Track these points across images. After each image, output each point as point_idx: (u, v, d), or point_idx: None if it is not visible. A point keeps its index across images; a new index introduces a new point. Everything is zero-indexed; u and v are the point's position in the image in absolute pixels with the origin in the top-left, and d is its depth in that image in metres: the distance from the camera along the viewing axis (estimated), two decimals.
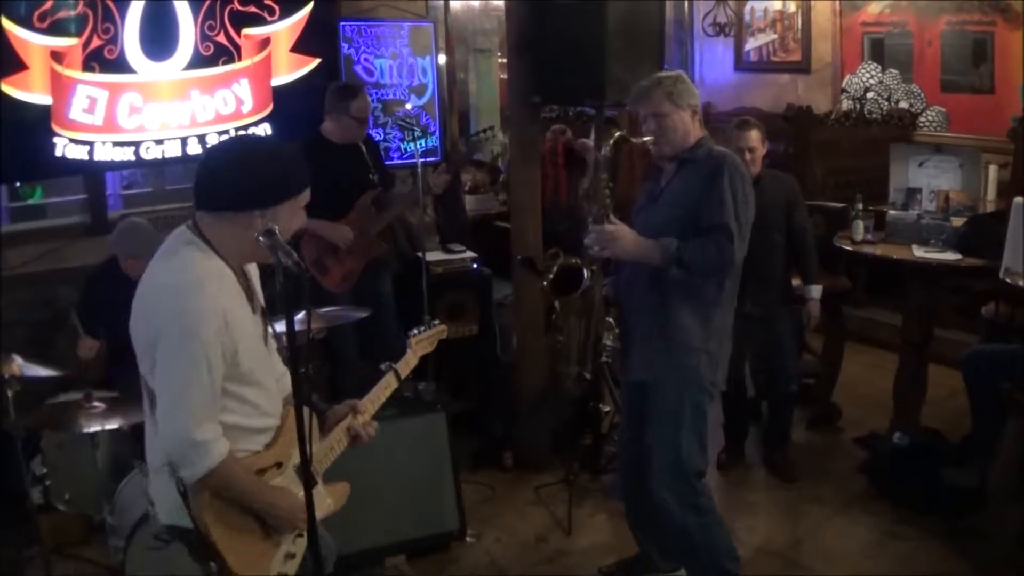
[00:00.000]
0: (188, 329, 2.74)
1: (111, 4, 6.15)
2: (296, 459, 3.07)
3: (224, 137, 6.70)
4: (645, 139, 4.27)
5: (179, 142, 6.57)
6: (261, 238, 2.71)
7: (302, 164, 3.07)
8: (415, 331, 3.87)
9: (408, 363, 3.74)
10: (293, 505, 3.05)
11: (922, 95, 9.22)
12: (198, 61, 6.56)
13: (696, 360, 4.24)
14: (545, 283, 4.69)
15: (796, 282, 5.95)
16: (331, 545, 3.55)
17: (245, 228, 2.92)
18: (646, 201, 4.43)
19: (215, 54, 6.63)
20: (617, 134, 4.39)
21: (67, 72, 6.04)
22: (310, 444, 2.87)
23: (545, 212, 6.25)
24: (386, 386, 3.60)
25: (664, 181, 4.35)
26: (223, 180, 2.99)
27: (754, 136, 5.64)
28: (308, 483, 2.84)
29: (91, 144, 6.21)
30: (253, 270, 3.21)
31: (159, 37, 6.37)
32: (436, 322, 4.01)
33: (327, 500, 3.35)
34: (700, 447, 4.37)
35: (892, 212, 6.27)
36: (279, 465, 3.13)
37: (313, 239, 5.91)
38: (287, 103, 6.99)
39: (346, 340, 6.16)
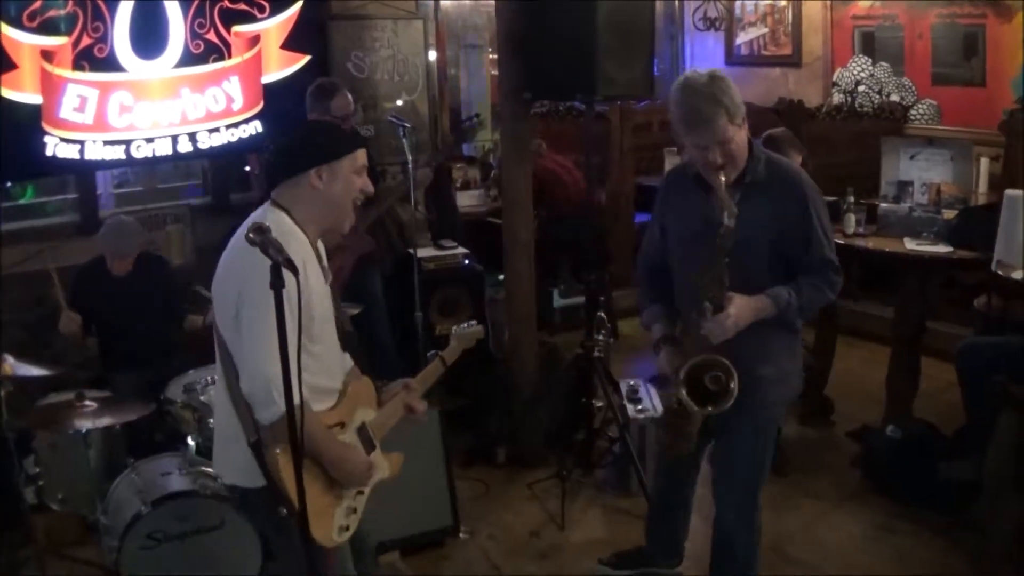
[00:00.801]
0: (268, 275, 2.78)
1: (101, 3, 6.13)
2: (356, 421, 3.39)
3: (215, 135, 6.71)
4: (723, 179, 3.72)
5: (170, 140, 6.55)
6: (251, 235, 2.71)
7: (351, 133, 3.49)
8: (460, 326, 4.09)
9: (453, 351, 3.97)
10: (360, 459, 3.33)
11: (913, 88, 9.23)
12: (188, 59, 6.55)
13: (780, 393, 4.13)
14: (683, 399, 3.90)
15: None
16: (371, 537, 3.80)
17: (311, 189, 3.22)
18: (696, 226, 3.91)
19: (205, 52, 6.62)
20: (734, 214, 3.68)
21: (57, 71, 6.02)
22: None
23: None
24: (434, 370, 3.86)
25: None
26: (282, 152, 3.37)
27: (795, 159, 5.49)
28: (301, 512, 2.84)
29: (82, 143, 6.20)
30: (322, 248, 3.45)
31: (149, 35, 6.35)
32: (474, 322, 4.15)
33: (384, 465, 3.53)
34: (770, 462, 4.29)
35: (884, 205, 6.28)
36: (342, 425, 3.33)
37: None
38: (278, 100, 6.98)
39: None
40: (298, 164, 3.21)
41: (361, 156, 3.32)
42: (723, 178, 3.72)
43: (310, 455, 3.10)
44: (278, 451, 3.01)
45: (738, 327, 3.76)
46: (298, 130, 3.46)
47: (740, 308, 3.75)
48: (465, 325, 4.09)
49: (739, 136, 3.77)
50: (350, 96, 6.29)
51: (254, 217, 3.19)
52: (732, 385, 3.81)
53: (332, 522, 3.26)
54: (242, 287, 3.05)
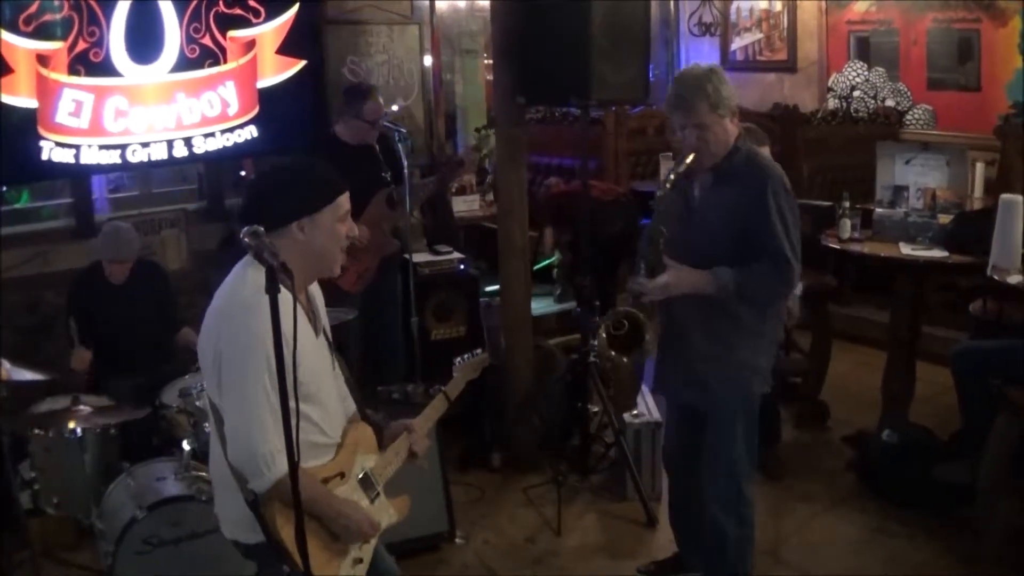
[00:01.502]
0: (249, 345, 2.78)
1: (96, 7, 6.14)
2: (358, 470, 3.28)
3: (210, 139, 6.71)
4: (688, 162, 4.03)
5: (165, 145, 6.55)
6: (246, 238, 2.69)
7: (333, 173, 3.19)
8: (460, 359, 3.92)
9: (456, 386, 3.83)
10: (359, 515, 3.18)
11: (908, 93, 9.24)
12: (183, 64, 6.55)
13: (750, 379, 4.20)
14: (604, 345, 4.35)
15: None
16: (393, 569, 3.63)
17: (292, 242, 3.04)
18: (680, 212, 4.19)
19: (200, 56, 6.62)
20: (672, 177, 4.08)
21: (53, 75, 6.02)
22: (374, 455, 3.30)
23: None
24: (437, 408, 3.73)
25: (699, 191, 4.16)
26: (260, 202, 3.15)
27: (767, 152, 5.55)
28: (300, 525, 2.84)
29: (77, 147, 6.20)
30: (317, 294, 3.33)
31: (144, 40, 6.36)
32: (479, 351, 4.02)
33: (390, 510, 3.45)
34: (750, 457, 4.34)
35: (879, 210, 6.28)
36: (342, 475, 3.23)
37: None
38: (273, 105, 6.98)
39: (352, 340, 6.18)
40: (277, 218, 3.04)
41: (344, 202, 3.15)
42: (688, 159, 4.00)
43: (307, 513, 3.00)
44: (275, 509, 2.95)
45: (668, 292, 4.04)
46: (275, 176, 3.21)
47: (677, 280, 4.02)
48: (468, 356, 3.95)
49: (719, 126, 3.98)
50: (382, 100, 6.30)
51: (235, 272, 3.11)
52: (647, 336, 4.21)
53: (339, 573, 3.19)
54: (222, 351, 2.96)
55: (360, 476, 3.30)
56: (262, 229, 2.74)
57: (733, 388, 4.20)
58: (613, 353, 4.37)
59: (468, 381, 3.91)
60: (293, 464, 2.73)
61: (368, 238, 6.04)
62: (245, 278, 3.03)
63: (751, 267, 3.96)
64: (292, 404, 2.77)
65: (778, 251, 3.95)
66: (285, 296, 2.79)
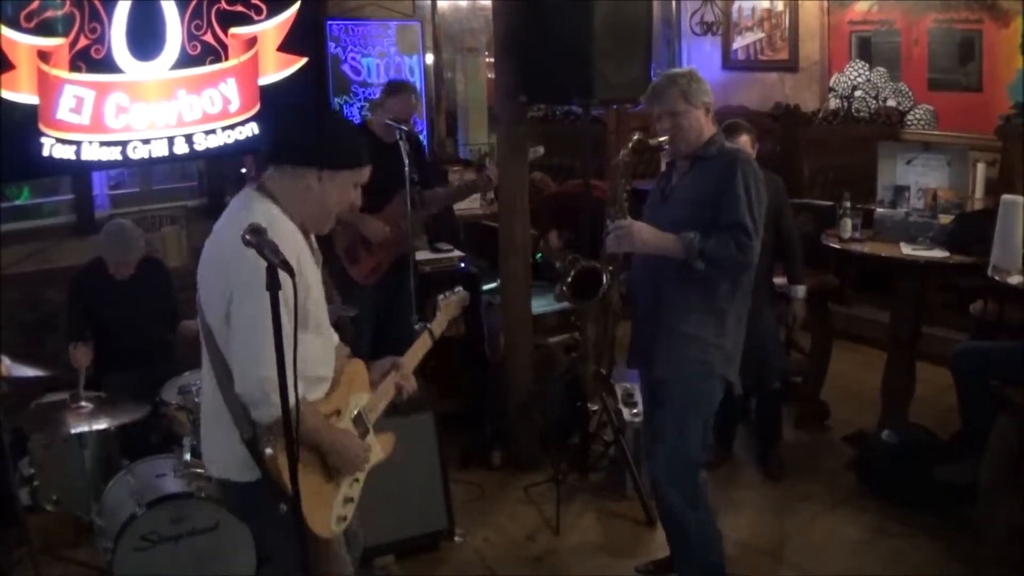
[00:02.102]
0: (261, 278, 2.71)
1: (98, 4, 6.14)
2: (352, 407, 3.38)
3: (211, 136, 6.71)
4: (661, 139, 4.26)
5: (166, 142, 6.57)
6: (247, 236, 2.68)
7: (365, 145, 3.28)
8: (444, 295, 4.06)
9: (440, 323, 3.95)
10: (357, 445, 3.30)
11: (910, 93, 9.23)
12: (185, 60, 6.56)
13: (710, 356, 4.25)
14: (564, 288, 4.64)
15: (779, 280, 5.97)
16: (359, 535, 3.75)
17: (305, 187, 3.15)
18: (658, 198, 4.43)
19: (202, 53, 6.63)
20: (636, 137, 4.35)
21: (54, 72, 6.03)
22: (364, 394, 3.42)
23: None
24: (423, 344, 3.83)
25: (676, 179, 4.35)
26: (296, 133, 3.25)
27: (745, 141, 5.62)
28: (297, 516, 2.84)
29: (78, 144, 6.21)
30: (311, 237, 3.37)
31: (146, 37, 6.37)
32: (459, 288, 4.15)
33: (376, 448, 3.50)
34: (704, 442, 4.38)
35: (880, 210, 6.27)
36: (338, 413, 3.31)
37: (348, 228, 5.93)
38: (274, 102, 6.99)
39: (364, 333, 6.19)
40: (306, 158, 3.14)
41: (365, 173, 3.25)
42: (661, 139, 4.25)
43: (309, 446, 3.09)
44: (276, 447, 2.97)
45: (638, 241, 4.15)
46: (322, 122, 3.32)
47: (641, 226, 4.17)
48: (449, 292, 4.08)
49: (692, 115, 4.20)
50: (414, 102, 6.31)
51: (238, 201, 3.17)
52: (604, 281, 4.47)
53: (330, 512, 3.25)
54: (233, 284, 2.98)
55: (354, 414, 3.37)
56: (263, 226, 2.73)
57: (692, 364, 4.26)
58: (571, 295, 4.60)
59: (451, 319, 4.06)
60: (287, 408, 2.74)
61: (387, 234, 6.05)
62: (252, 210, 3.06)
63: (716, 234, 4.05)
64: (301, 335, 2.81)
65: (738, 219, 4.03)
66: (291, 228, 3.03)
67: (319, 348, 3.25)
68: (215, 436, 3.23)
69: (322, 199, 3.17)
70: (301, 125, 3.28)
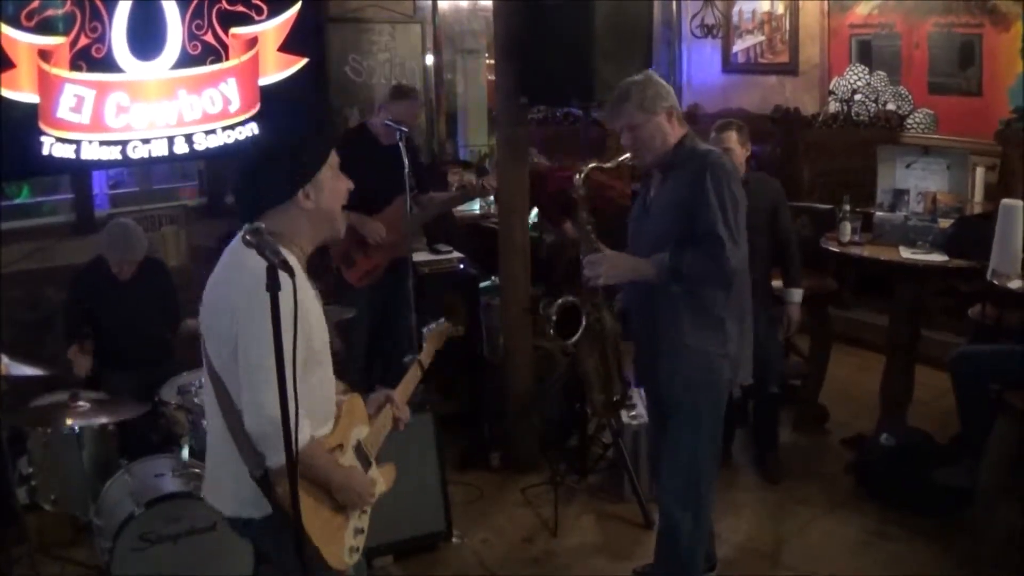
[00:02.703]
0: (268, 319, 2.68)
1: (99, 3, 6.14)
2: (353, 441, 3.35)
3: (211, 136, 6.71)
4: (620, 159, 4.30)
5: (166, 141, 6.56)
6: (248, 236, 2.68)
7: (313, 135, 3.20)
8: (428, 327, 4.07)
9: (428, 354, 3.95)
10: (363, 481, 3.30)
11: (910, 97, 9.23)
12: (185, 60, 6.55)
13: (716, 366, 4.18)
14: (551, 330, 4.60)
15: (776, 283, 5.97)
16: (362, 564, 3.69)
17: (301, 212, 3.09)
18: (639, 211, 4.36)
19: (203, 53, 6.63)
20: (588, 167, 4.41)
21: (54, 71, 6.03)
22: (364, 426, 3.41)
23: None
24: (413, 377, 3.82)
25: (654, 189, 4.27)
26: (259, 185, 3.12)
27: (731, 138, 5.60)
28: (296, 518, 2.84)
29: (78, 143, 6.20)
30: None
31: (147, 36, 6.36)
32: (442, 320, 4.14)
33: (380, 480, 3.50)
34: (714, 454, 4.36)
35: (879, 214, 6.28)
36: (340, 447, 3.28)
37: (346, 230, 5.92)
38: (275, 103, 6.99)
39: (359, 335, 6.19)
40: (282, 192, 3.06)
41: (333, 156, 3.18)
42: (621, 159, 4.36)
43: (319, 484, 3.10)
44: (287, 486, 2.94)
45: (614, 272, 4.15)
46: (263, 157, 3.24)
47: (612, 256, 4.17)
48: (433, 325, 4.07)
49: (653, 124, 4.10)
50: (415, 109, 6.35)
51: (237, 244, 3.02)
52: (582, 321, 4.46)
53: (343, 545, 3.25)
54: (238, 323, 2.95)
55: (354, 447, 3.36)
56: (263, 226, 2.73)
57: (696, 378, 4.20)
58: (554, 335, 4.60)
59: (438, 350, 4.02)
60: (289, 439, 2.71)
61: (383, 237, 6.05)
62: (252, 255, 2.97)
63: (686, 247, 3.98)
64: (306, 373, 2.86)
65: (710, 229, 3.93)
66: (296, 270, 2.85)
67: (324, 386, 3.24)
68: (225, 473, 3.20)
69: (320, 208, 3.13)
70: (254, 176, 3.17)
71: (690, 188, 4.01)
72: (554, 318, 4.51)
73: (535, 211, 7.61)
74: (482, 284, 7.10)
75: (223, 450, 3.13)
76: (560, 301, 4.54)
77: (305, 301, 2.95)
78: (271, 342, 2.65)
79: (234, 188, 3.22)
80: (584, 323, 4.45)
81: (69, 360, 5.52)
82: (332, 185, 3.15)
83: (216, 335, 3.06)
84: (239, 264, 2.96)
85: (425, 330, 4.04)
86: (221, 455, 3.18)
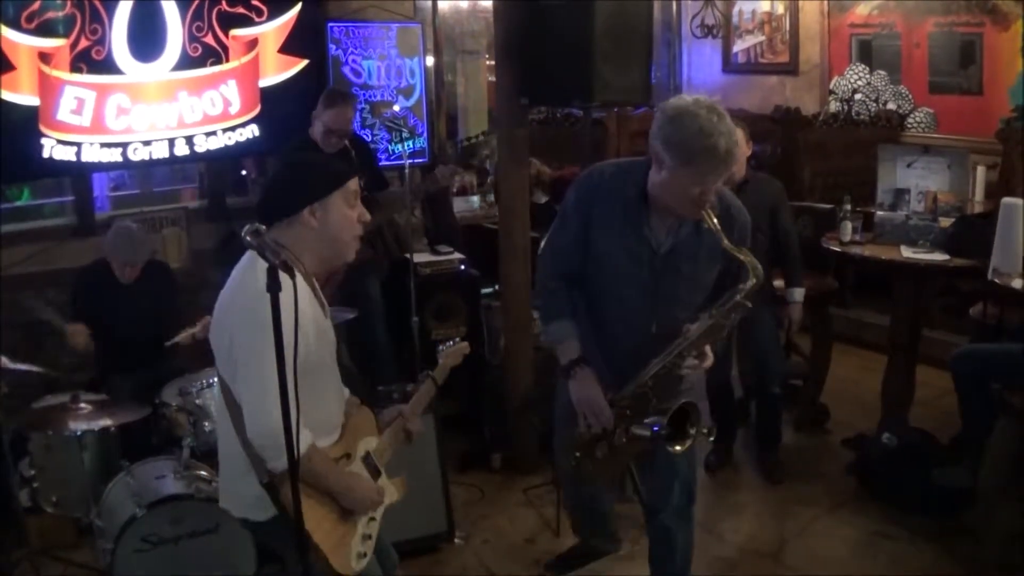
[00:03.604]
0: (264, 329, 2.74)
1: (99, 5, 6.15)
2: (361, 452, 3.44)
3: (212, 138, 6.72)
4: (712, 218, 3.53)
5: (167, 143, 6.57)
6: (248, 237, 2.70)
7: (339, 162, 3.42)
8: (443, 346, 4.07)
9: (443, 370, 3.96)
10: (367, 486, 3.37)
11: (910, 97, 9.24)
12: (186, 62, 6.56)
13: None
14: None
15: (778, 283, 5.97)
16: (393, 557, 3.78)
17: (306, 229, 3.16)
18: (635, 267, 3.74)
19: (203, 55, 6.63)
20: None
21: (55, 73, 6.03)
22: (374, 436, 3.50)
23: None
24: (427, 392, 3.84)
25: (667, 232, 3.69)
26: (273, 193, 3.26)
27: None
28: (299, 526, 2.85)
29: (79, 145, 6.21)
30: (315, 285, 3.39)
31: (147, 38, 6.37)
32: (458, 339, 4.18)
33: (391, 489, 3.56)
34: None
35: (880, 213, 6.28)
36: (348, 456, 3.37)
37: None
38: (275, 104, 7.00)
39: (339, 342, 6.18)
40: (290, 205, 3.15)
41: (352, 185, 3.26)
42: (708, 213, 3.51)
43: (322, 490, 3.17)
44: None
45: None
46: (285, 168, 3.38)
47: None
48: (451, 343, 4.10)
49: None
50: (350, 114, 6.29)
51: (244, 265, 3.15)
52: (692, 430, 3.74)
53: (350, 551, 3.30)
54: (233, 335, 3.06)
55: (363, 457, 3.43)
56: (263, 227, 2.76)
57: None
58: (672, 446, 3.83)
59: (453, 367, 4.04)
60: (291, 446, 2.77)
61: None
62: (255, 267, 3.04)
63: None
64: (309, 383, 2.93)
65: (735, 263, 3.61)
66: (297, 282, 2.86)
67: (327, 396, 3.33)
68: (233, 478, 3.30)
69: (326, 231, 3.18)
70: (271, 183, 3.35)
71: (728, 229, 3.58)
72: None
73: None
74: (484, 290, 7.10)
75: (233, 453, 3.22)
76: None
77: (305, 308, 3.01)
78: (266, 352, 2.71)
79: (260, 193, 3.37)
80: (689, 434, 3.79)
81: (68, 337, 5.51)
82: (343, 212, 3.21)
83: (220, 348, 3.17)
84: (242, 284, 3.08)
85: (441, 348, 4.06)
86: (231, 462, 3.28)
